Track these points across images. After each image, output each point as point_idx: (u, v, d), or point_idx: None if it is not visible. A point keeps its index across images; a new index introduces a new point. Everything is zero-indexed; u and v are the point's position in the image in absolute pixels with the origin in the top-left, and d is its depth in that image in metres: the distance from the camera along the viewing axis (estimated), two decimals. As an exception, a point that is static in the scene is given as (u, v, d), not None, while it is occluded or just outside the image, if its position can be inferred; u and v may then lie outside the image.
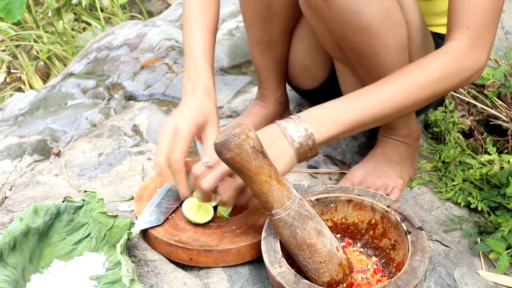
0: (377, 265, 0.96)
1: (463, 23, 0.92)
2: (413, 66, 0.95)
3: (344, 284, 0.89)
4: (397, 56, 1.03)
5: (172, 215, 1.02)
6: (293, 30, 1.29)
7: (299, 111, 1.28)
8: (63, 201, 1.01)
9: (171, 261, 0.97)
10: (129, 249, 0.98)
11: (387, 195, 1.15)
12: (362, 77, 1.11)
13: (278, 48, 1.30)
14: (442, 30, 1.26)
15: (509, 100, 1.43)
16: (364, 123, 0.92)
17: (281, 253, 0.86)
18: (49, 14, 2.77)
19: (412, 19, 1.06)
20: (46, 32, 2.79)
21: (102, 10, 2.99)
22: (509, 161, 1.12)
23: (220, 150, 0.77)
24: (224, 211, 1.02)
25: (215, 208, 1.03)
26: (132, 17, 3.20)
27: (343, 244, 1.00)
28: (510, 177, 1.11)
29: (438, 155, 1.34)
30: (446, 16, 1.23)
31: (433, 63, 0.92)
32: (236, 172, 0.80)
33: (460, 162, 1.29)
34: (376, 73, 1.05)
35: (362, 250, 0.99)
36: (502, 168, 1.13)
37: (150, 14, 3.30)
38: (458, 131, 1.39)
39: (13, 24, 2.72)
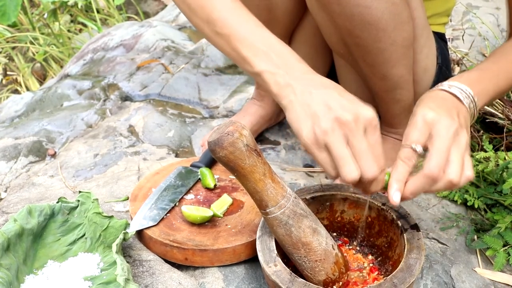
0: (373, 263, 0.96)
1: None
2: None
3: (340, 283, 0.89)
4: (403, 54, 1.03)
5: (167, 215, 1.02)
6: (292, 33, 1.28)
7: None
8: (57, 202, 1.00)
9: (166, 261, 0.97)
10: (124, 249, 0.98)
11: (383, 193, 1.15)
12: (365, 74, 1.10)
13: None
14: (441, 29, 1.27)
15: (505, 98, 1.43)
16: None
17: (276, 252, 0.86)
18: (45, 16, 2.76)
19: (418, 17, 1.06)
20: (42, 33, 2.78)
21: (98, 12, 2.99)
22: (505, 158, 1.11)
23: (214, 148, 0.76)
24: (218, 210, 1.02)
25: None
26: (129, 18, 3.20)
27: (339, 242, 1.00)
28: (504, 173, 1.10)
29: (434, 153, 1.34)
30: (447, 15, 1.24)
31: None
32: (230, 170, 0.79)
33: (456, 159, 1.29)
34: (380, 70, 1.05)
35: (358, 248, 0.99)
36: (498, 165, 1.13)
37: (147, 15, 3.30)
38: (455, 129, 1.39)
39: (9, 26, 2.71)
